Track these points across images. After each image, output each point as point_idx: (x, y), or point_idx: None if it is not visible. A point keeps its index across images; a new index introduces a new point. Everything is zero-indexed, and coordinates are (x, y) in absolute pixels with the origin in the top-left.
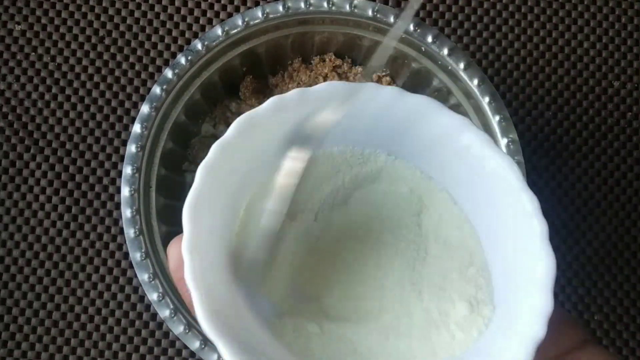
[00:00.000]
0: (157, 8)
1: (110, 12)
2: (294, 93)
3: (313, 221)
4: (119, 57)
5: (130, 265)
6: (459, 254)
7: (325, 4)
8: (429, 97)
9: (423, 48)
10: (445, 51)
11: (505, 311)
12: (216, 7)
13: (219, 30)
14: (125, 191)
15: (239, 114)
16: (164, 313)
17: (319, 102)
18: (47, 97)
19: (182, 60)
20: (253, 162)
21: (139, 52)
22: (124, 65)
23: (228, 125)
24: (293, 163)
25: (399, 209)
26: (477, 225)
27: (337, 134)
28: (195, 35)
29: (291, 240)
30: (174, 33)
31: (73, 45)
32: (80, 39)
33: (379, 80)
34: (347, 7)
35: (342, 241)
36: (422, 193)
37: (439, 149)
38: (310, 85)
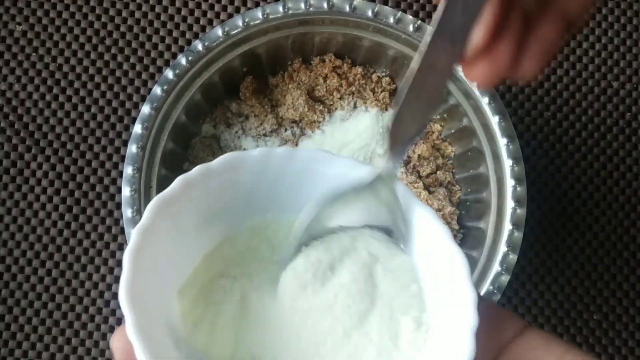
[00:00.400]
0: (157, 9)
1: (111, 12)
2: (195, 170)
3: (250, 283)
4: (119, 58)
5: None
6: (400, 276)
7: (325, 5)
8: (316, 149)
9: None
10: None
11: (440, 317)
12: (216, 7)
13: (219, 31)
14: (126, 191)
15: (239, 114)
16: None
17: (219, 176)
18: (48, 97)
19: (183, 61)
20: (179, 239)
21: (139, 53)
22: (125, 66)
23: (228, 125)
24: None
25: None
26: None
27: (262, 205)
28: (196, 36)
29: (231, 307)
30: (175, 34)
31: (74, 46)
32: (82, 39)
33: (379, 81)
34: (347, 8)
35: (277, 299)
36: (351, 237)
37: (338, 194)
38: (310, 86)
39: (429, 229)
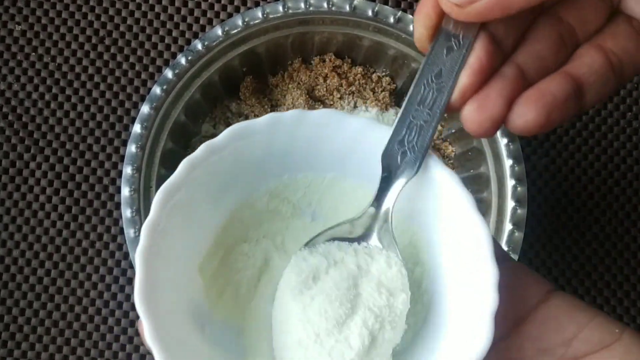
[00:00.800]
0: (157, 8)
1: (111, 12)
2: (200, 150)
3: (273, 244)
4: (119, 58)
5: (130, 265)
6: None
7: (325, 4)
8: (328, 110)
9: None
10: None
11: (460, 293)
12: (216, 7)
13: (219, 31)
14: (125, 191)
15: (239, 114)
16: None
17: (226, 149)
18: (47, 97)
19: (182, 61)
20: (192, 219)
21: (139, 53)
22: (124, 66)
23: (228, 125)
24: None
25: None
26: (411, 217)
27: (277, 168)
28: (196, 36)
29: (253, 272)
30: (174, 33)
31: (73, 46)
32: (81, 39)
33: (379, 81)
34: (347, 8)
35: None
36: (343, 251)
37: (355, 153)
38: (310, 85)
39: (451, 195)
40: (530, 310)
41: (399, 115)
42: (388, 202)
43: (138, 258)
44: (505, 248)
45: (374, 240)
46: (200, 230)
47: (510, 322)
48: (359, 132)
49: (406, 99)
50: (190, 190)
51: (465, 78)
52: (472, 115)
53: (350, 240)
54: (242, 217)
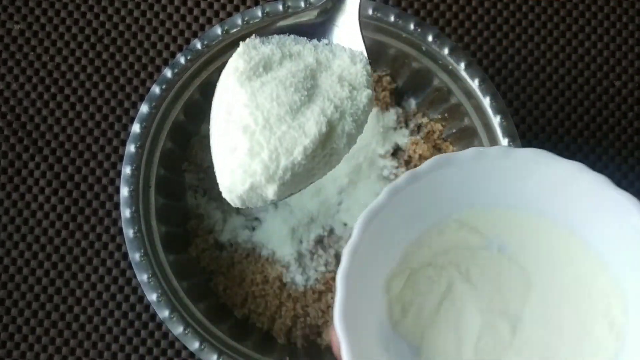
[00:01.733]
0: (156, 7)
1: (109, 11)
2: (403, 178)
3: (458, 272)
4: (117, 57)
5: (130, 266)
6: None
7: None
8: (537, 149)
9: (424, 47)
10: (446, 51)
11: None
12: (215, 6)
13: (218, 30)
14: (124, 191)
15: None
16: (163, 313)
17: (426, 177)
18: (45, 96)
19: (182, 60)
20: (383, 240)
21: (137, 52)
22: (123, 65)
23: None
24: None
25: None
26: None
27: (468, 198)
28: (195, 35)
29: (436, 297)
30: (173, 32)
31: (72, 45)
32: (79, 38)
33: (379, 80)
34: None
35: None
36: (301, 45)
37: (558, 194)
38: None
39: None
40: None
41: None
42: None
43: (340, 279)
44: None
45: (336, 36)
46: (390, 251)
47: None
48: (570, 176)
49: None
50: (389, 214)
51: None
52: None
53: (309, 35)
54: (431, 242)
